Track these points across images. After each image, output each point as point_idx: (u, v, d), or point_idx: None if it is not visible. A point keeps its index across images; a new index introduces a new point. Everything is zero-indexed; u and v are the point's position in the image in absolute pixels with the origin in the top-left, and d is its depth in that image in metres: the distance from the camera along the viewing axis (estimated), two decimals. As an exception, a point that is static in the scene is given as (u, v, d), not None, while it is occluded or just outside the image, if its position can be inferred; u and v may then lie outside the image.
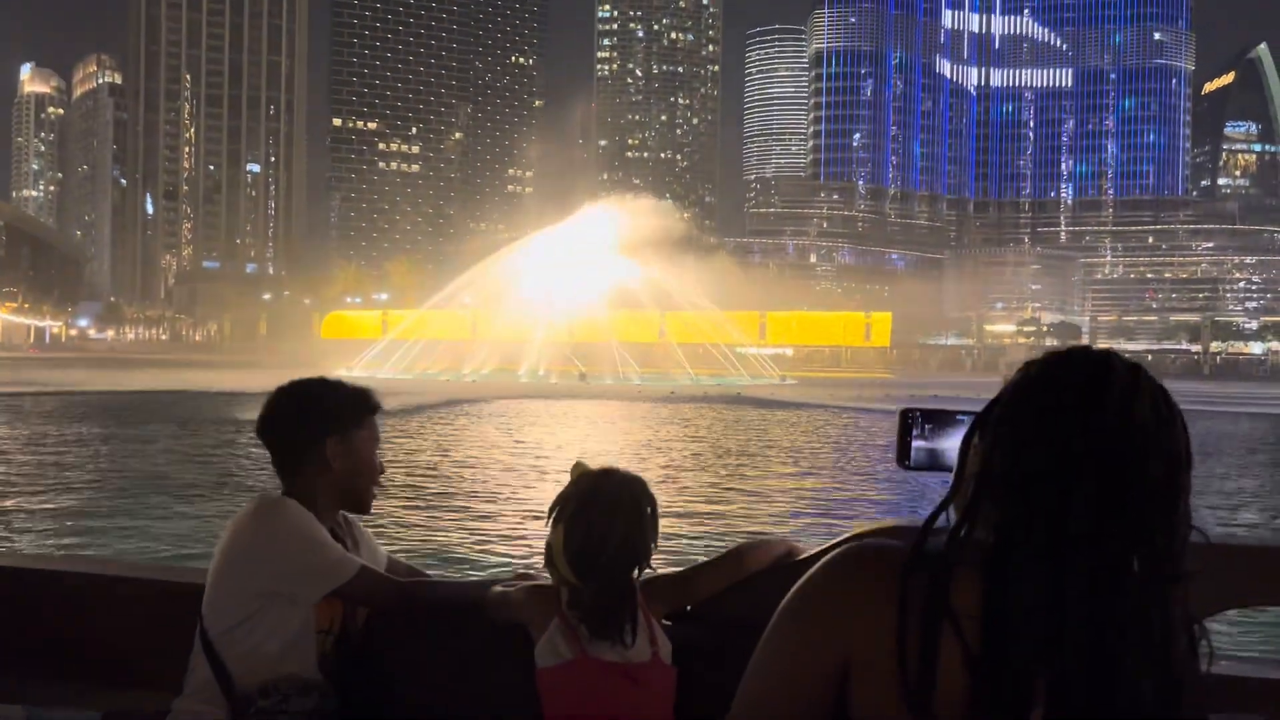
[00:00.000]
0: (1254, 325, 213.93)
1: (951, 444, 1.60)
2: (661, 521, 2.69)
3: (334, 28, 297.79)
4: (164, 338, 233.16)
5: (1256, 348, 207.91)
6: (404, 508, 16.97)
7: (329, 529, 2.90)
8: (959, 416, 1.69)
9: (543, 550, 2.67)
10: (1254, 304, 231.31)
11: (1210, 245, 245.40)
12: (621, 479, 2.67)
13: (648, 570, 2.67)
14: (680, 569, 2.84)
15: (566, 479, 2.64)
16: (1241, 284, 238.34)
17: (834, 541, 2.41)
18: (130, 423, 36.42)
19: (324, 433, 2.88)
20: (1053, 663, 1.28)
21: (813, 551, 2.64)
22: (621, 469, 2.71)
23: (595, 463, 2.72)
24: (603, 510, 2.58)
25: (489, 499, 19.76)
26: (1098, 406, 1.32)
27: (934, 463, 1.77)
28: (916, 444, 1.80)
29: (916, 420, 1.81)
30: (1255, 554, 2.55)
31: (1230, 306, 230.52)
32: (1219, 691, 2.26)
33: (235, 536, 2.82)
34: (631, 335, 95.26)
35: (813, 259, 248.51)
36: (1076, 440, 1.30)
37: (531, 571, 2.99)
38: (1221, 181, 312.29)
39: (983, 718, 1.29)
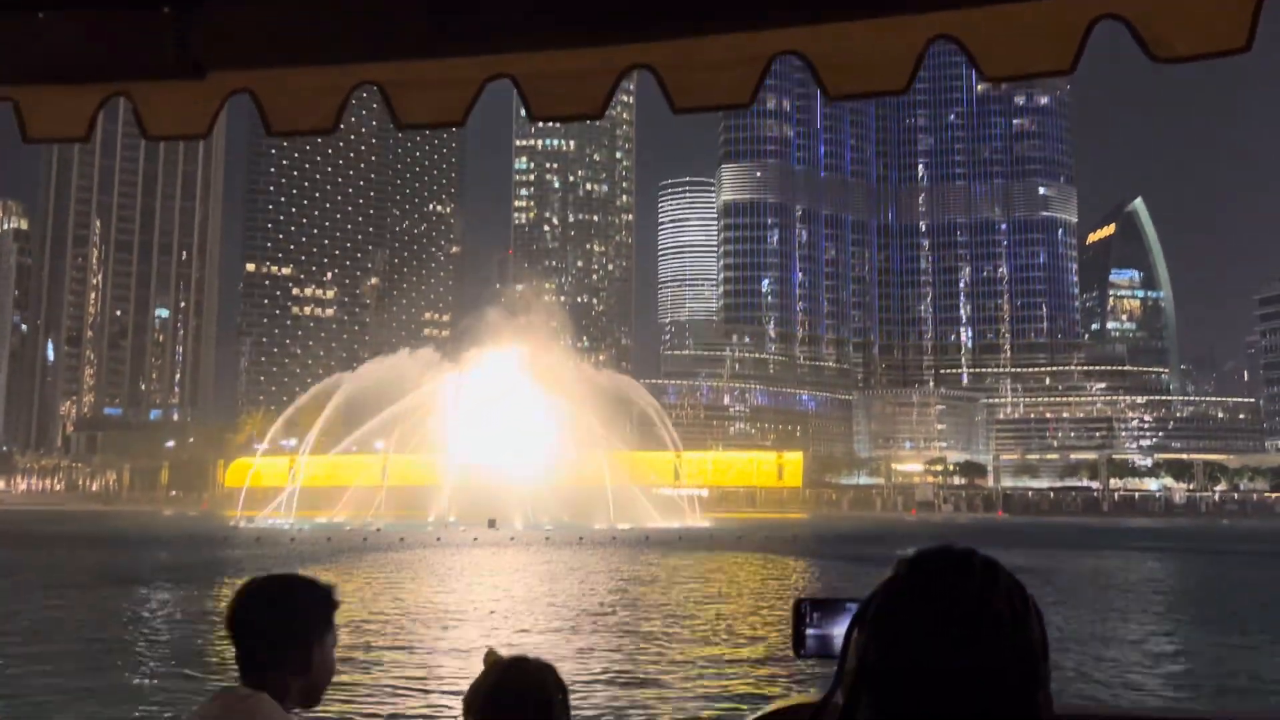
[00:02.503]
0: (1148, 463, 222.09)
1: (840, 630, 1.68)
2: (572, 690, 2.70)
3: (249, 173, 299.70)
4: (59, 488, 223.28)
5: (1152, 484, 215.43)
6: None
7: None
8: (847, 605, 1.75)
9: None
10: (1147, 442, 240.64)
11: (1103, 386, 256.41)
12: (531, 669, 2.71)
13: None
14: None
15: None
16: (1134, 423, 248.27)
17: None
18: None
19: (312, 638, 2.92)
20: None
21: None
22: (532, 658, 2.76)
23: (507, 650, 2.77)
24: (512, 702, 2.62)
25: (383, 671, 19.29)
26: (958, 604, 1.43)
27: (826, 649, 1.85)
28: (809, 633, 1.88)
29: (808, 610, 1.89)
30: None
31: (1126, 445, 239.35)
32: None
33: None
34: (546, 479, 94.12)
35: (726, 400, 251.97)
36: (939, 637, 1.41)
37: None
38: (1110, 325, 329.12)
39: None
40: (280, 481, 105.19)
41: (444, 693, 16.50)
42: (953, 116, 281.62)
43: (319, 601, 2.99)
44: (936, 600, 1.44)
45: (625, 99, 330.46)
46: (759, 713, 2.49)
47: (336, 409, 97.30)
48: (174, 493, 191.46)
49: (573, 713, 2.69)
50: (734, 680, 18.29)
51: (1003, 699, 1.39)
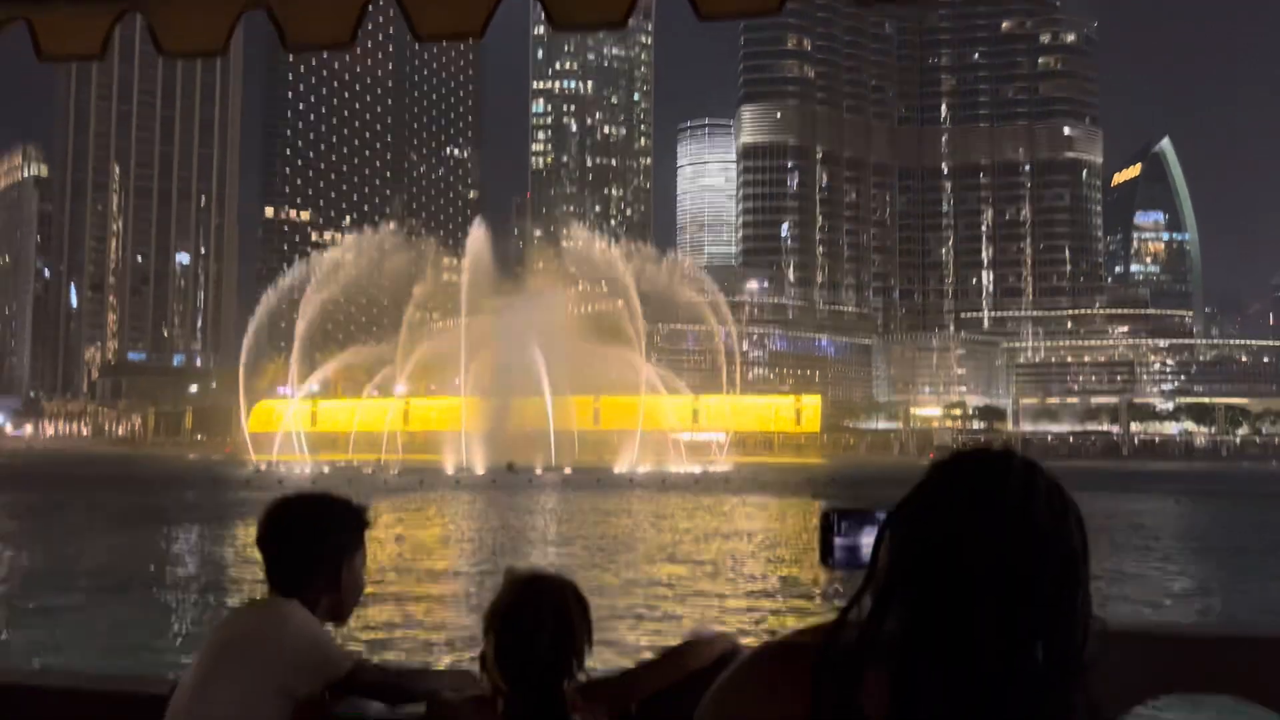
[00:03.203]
0: (1170, 406, 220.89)
1: (869, 540, 1.64)
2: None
3: (266, 119, 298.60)
4: (85, 432, 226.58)
5: (1173, 428, 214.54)
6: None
7: None
8: (877, 514, 1.70)
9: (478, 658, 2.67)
10: (1169, 386, 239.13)
11: (1125, 329, 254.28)
12: (549, 584, 2.69)
13: (586, 672, 2.67)
14: (620, 670, 2.83)
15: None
16: (1156, 366, 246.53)
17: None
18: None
19: (341, 554, 2.94)
20: None
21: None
22: (550, 573, 2.75)
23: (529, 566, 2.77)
24: (529, 617, 2.60)
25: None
26: (996, 504, 1.39)
27: (854, 560, 1.82)
28: (838, 543, 1.85)
29: (836, 520, 1.87)
30: (1177, 642, 2.53)
31: (1147, 389, 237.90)
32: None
33: (236, 635, 2.87)
34: (567, 422, 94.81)
35: (745, 345, 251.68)
36: (977, 537, 1.37)
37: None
38: (1134, 268, 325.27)
39: None
40: (299, 425, 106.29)
41: (461, 615, 16.89)
42: (976, 55, 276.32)
43: (349, 518, 2.99)
44: (974, 500, 1.40)
45: (643, 39, 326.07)
46: (785, 632, 2.35)
47: (312, 326, 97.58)
48: (199, 437, 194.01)
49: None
50: (747, 610, 18.62)
51: (1042, 600, 1.35)
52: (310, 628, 2.85)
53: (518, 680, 2.59)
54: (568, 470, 78.29)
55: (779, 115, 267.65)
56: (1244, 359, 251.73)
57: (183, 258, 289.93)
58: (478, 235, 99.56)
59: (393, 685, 2.93)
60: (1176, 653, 2.43)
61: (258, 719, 2.76)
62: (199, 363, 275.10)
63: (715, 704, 1.49)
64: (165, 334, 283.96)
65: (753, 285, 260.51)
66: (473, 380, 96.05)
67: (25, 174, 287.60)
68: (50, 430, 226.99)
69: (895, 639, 1.37)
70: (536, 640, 2.58)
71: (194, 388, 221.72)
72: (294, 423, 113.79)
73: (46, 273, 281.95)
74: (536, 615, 2.60)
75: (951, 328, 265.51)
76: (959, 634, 1.34)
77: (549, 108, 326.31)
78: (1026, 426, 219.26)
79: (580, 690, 2.66)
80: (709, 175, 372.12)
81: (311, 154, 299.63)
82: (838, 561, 1.84)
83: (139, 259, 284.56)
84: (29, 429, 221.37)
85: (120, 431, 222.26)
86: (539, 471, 77.83)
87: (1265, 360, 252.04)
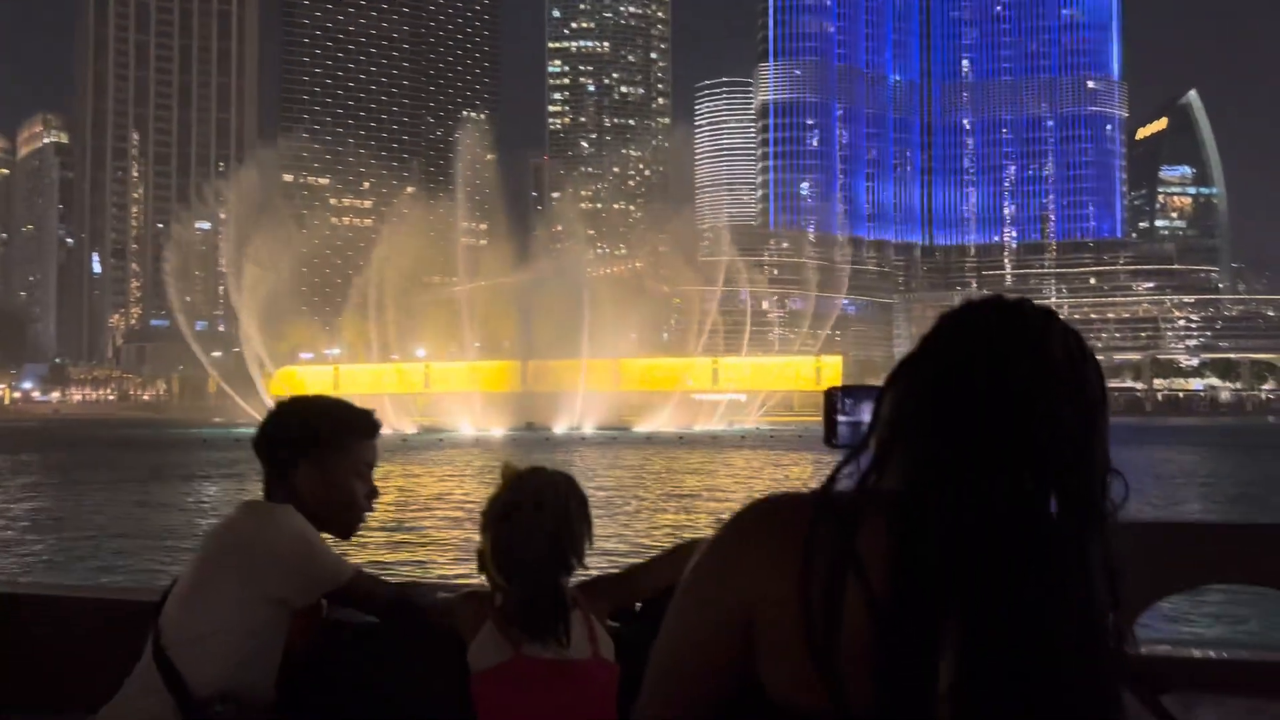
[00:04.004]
0: (1194, 363, 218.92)
1: None
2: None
3: (284, 84, 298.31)
4: (111, 398, 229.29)
5: (1197, 384, 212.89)
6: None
7: None
8: (879, 390, 1.60)
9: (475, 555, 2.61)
10: (1194, 342, 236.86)
11: (1150, 285, 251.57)
12: (546, 478, 2.62)
13: (585, 567, 2.62)
14: (625, 567, 2.78)
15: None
16: (1181, 323, 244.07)
17: None
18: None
19: (295, 456, 2.77)
20: (964, 604, 1.24)
21: None
22: (548, 468, 2.66)
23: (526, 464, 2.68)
24: (526, 510, 2.54)
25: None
26: (1010, 349, 1.31)
27: (859, 438, 1.62)
28: (841, 420, 1.77)
29: (839, 397, 1.79)
30: (1203, 532, 2.54)
31: (1172, 345, 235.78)
32: (1180, 672, 2.25)
33: (227, 539, 2.72)
34: (587, 383, 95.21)
35: (765, 305, 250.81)
36: (989, 382, 1.29)
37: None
38: (1159, 224, 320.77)
39: (888, 665, 1.24)
40: (325, 390, 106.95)
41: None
42: (999, 8, 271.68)
43: (314, 417, 2.82)
44: (985, 345, 1.32)
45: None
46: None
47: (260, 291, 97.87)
48: (222, 401, 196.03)
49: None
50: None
51: (1060, 448, 1.28)
52: (304, 535, 2.70)
53: (516, 576, 2.53)
54: (587, 430, 78.68)
55: (798, 72, 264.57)
56: (1271, 314, 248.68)
57: (203, 224, 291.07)
58: (468, 139, 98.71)
59: (392, 598, 2.80)
60: (1201, 542, 2.41)
61: (250, 626, 2.63)
62: (221, 328, 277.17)
63: (707, 552, 1.40)
64: (187, 300, 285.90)
65: (772, 245, 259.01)
66: (491, 341, 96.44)
67: (45, 141, 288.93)
68: (77, 396, 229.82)
69: (897, 489, 1.31)
70: (534, 535, 2.52)
71: (217, 353, 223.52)
72: (314, 388, 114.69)
73: (69, 240, 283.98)
74: (535, 510, 2.53)
75: (974, 284, 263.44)
76: (967, 483, 1.27)
77: (565, 67, 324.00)
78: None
79: (581, 587, 2.63)
80: (728, 134, 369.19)
81: (328, 118, 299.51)
82: (842, 439, 1.77)
83: (159, 225, 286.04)
84: (56, 395, 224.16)
85: (146, 397, 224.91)
86: (558, 431, 78.31)
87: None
